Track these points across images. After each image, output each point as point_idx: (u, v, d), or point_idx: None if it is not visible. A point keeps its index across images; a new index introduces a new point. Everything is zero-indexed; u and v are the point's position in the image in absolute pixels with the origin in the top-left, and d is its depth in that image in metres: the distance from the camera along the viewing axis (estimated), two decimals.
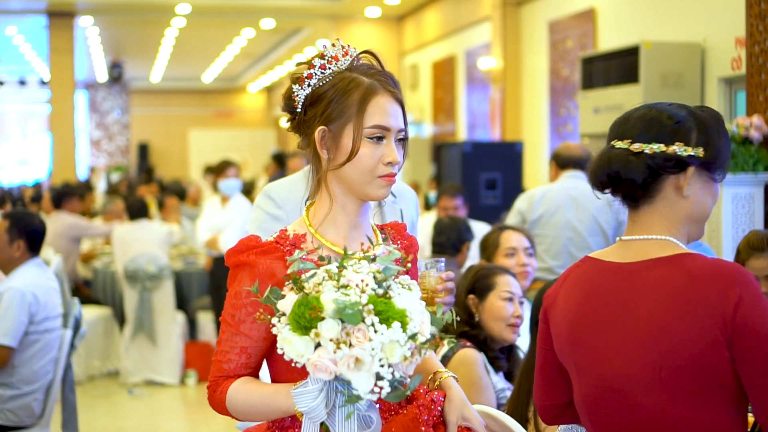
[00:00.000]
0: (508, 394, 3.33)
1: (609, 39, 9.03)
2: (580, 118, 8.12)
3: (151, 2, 14.35)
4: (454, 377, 2.29)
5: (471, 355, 3.36)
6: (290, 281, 1.99)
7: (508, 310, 3.45)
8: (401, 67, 15.82)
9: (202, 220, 8.48)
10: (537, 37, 10.94)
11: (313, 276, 1.95)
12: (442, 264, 2.77)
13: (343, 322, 1.85)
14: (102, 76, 23.57)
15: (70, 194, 9.01)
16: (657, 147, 2.16)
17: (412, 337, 1.87)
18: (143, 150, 25.69)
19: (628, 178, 2.18)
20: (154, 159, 25.97)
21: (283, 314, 1.94)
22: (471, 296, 3.50)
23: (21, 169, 26.25)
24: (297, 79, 2.18)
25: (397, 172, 2.18)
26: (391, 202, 2.99)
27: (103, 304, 8.42)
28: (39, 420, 4.66)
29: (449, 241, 5.30)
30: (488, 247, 4.48)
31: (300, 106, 2.19)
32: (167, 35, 17.29)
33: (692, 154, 2.14)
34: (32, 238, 4.78)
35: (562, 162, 5.57)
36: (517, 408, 3.04)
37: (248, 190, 11.67)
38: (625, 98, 7.20)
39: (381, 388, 1.85)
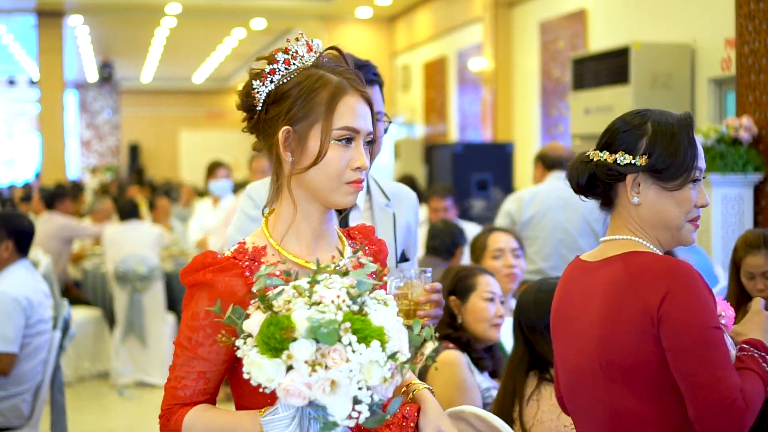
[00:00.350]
0: (493, 393, 3.33)
1: (599, 40, 9.04)
2: (571, 118, 8.13)
3: (141, 2, 14.33)
4: (428, 389, 2.12)
5: (454, 357, 3.35)
6: (256, 299, 1.81)
7: (491, 311, 3.45)
8: (393, 68, 15.82)
9: (194, 220, 8.47)
10: (528, 38, 10.95)
11: (281, 293, 1.78)
12: (429, 275, 2.60)
13: (317, 342, 1.69)
14: (92, 75, 23.52)
15: (62, 195, 8.99)
16: (603, 155, 2.25)
17: (392, 356, 1.72)
18: (134, 150, 25.64)
19: (576, 184, 2.31)
20: (144, 160, 25.92)
21: (249, 335, 1.76)
22: (452, 298, 3.49)
23: (7, 169, 26.16)
24: (258, 75, 2.02)
25: (364, 178, 2.03)
26: (383, 205, 2.85)
27: (93, 305, 8.39)
28: (27, 421, 4.64)
29: (443, 245, 5.29)
30: (476, 249, 4.48)
31: (261, 104, 2.02)
32: (157, 35, 17.26)
33: (632, 162, 2.20)
34: (20, 238, 4.76)
35: (549, 163, 5.57)
36: (502, 408, 3.04)
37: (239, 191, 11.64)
38: (616, 99, 7.21)
39: (359, 412, 1.69)
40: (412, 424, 2.04)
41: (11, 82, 21.90)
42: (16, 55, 19.80)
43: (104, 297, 8.40)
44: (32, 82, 20.62)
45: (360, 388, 1.69)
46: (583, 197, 2.36)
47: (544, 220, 5.38)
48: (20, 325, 4.54)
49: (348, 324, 1.71)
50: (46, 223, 8.41)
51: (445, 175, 9.64)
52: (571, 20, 9.71)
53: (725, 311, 2.26)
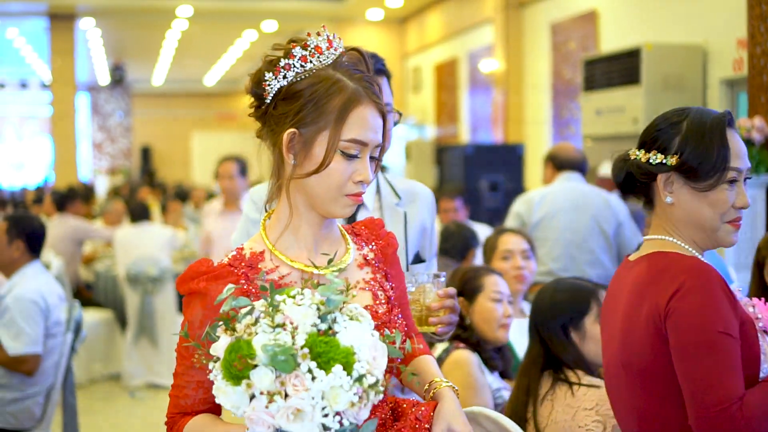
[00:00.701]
0: (504, 393, 3.33)
1: (611, 41, 9.02)
2: (582, 119, 8.11)
3: (153, 4, 14.35)
4: (450, 386, 2.04)
5: (465, 356, 3.35)
6: (221, 321, 1.72)
7: (498, 311, 3.45)
8: (404, 70, 15.82)
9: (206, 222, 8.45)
10: (539, 39, 10.93)
11: (248, 314, 1.69)
12: (443, 279, 2.51)
13: (276, 369, 1.61)
14: (104, 78, 23.58)
15: (73, 197, 9.02)
16: (639, 153, 2.24)
17: (359, 379, 1.61)
18: (146, 153, 25.69)
19: (616, 182, 2.29)
20: (156, 162, 25.97)
21: (218, 359, 1.68)
22: (460, 299, 3.48)
23: (18, 172, 26.23)
24: (271, 66, 1.93)
25: (365, 191, 1.95)
26: (393, 204, 2.74)
27: (104, 307, 8.40)
28: (39, 423, 4.65)
29: (455, 248, 5.28)
30: (487, 250, 4.47)
31: (270, 97, 1.94)
32: (169, 37, 17.30)
33: (662, 162, 2.18)
34: (32, 239, 4.78)
35: (559, 163, 5.55)
36: (516, 408, 3.04)
37: None
38: (627, 100, 7.19)
39: None
40: (426, 426, 1.95)
41: (23, 85, 21.96)
42: (28, 58, 19.87)
43: (116, 299, 8.42)
44: (44, 85, 20.69)
45: (326, 415, 1.60)
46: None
47: (554, 222, 5.36)
48: (42, 326, 4.60)
49: (306, 350, 1.61)
50: (58, 226, 8.43)
51: (455, 176, 9.64)
52: (582, 21, 9.69)
53: (763, 313, 2.18)
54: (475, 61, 12.85)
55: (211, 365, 1.69)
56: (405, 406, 2.01)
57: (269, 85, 1.93)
